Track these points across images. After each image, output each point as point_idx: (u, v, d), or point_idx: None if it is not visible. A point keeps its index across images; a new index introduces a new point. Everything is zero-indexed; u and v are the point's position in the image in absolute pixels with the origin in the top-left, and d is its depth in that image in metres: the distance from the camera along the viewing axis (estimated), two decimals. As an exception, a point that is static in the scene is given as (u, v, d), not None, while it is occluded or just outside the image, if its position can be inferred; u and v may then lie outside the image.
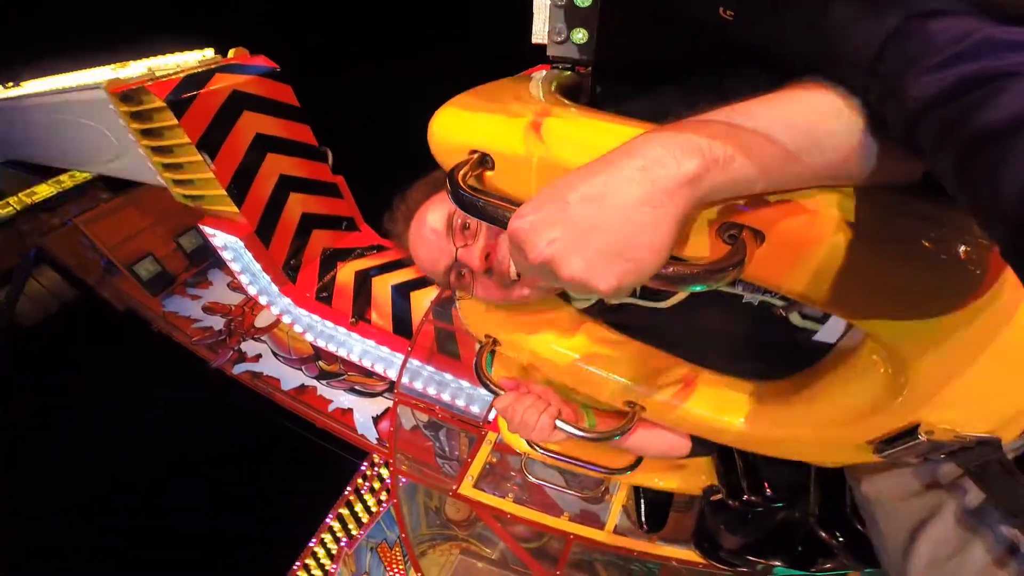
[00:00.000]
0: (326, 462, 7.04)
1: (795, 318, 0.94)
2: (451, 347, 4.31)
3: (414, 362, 4.22)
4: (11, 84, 7.75)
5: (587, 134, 0.73)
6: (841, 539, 1.30)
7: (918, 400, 0.76)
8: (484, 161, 0.79)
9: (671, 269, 0.58)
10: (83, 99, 5.15)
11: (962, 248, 0.60)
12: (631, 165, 0.56)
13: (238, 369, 7.08)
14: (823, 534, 1.33)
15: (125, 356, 9.88)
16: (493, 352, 1.28)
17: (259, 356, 7.13)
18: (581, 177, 0.58)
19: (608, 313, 1.18)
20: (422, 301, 4.87)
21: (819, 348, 0.95)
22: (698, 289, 0.60)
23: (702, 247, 0.67)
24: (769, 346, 1.01)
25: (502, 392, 1.18)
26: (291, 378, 6.73)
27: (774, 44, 0.67)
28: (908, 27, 0.51)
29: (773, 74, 0.63)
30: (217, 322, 7.76)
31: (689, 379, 1.05)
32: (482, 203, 0.69)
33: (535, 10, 1.19)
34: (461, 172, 0.75)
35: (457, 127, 0.84)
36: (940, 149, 0.47)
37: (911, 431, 0.79)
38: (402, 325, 5.05)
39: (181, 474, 10.88)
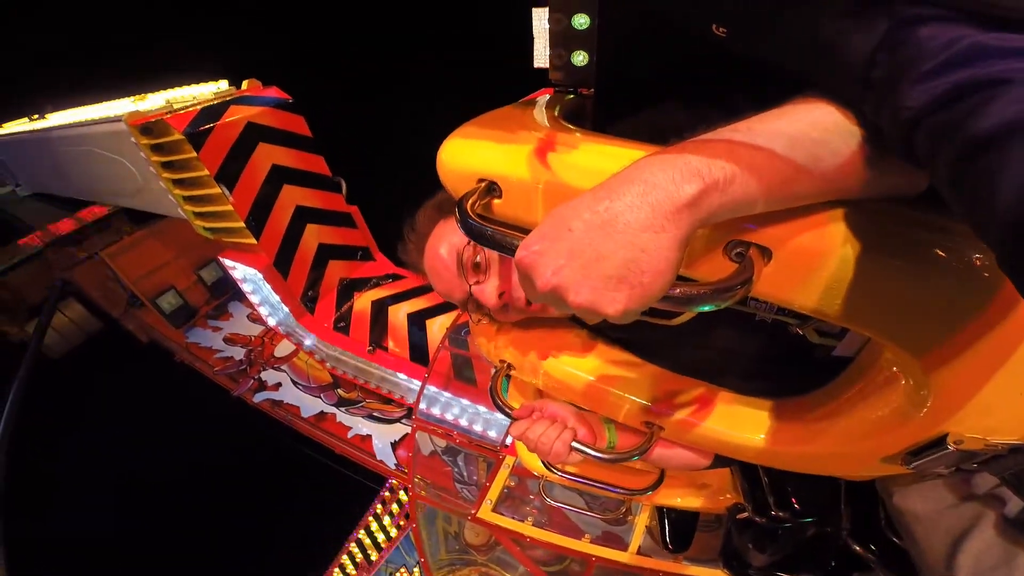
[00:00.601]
0: (345, 488, 7.03)
1: (811, 335, 0.92)
2: (467, 373, 4.31)
3: (431, 388, 4.22)
4: (36, 116, 7.98)
5: (592, 159, 0.74)
6: (877, 553, 1.27)
7: (943, 410, 0.74)
8: (492, 189, 0.81)
9: (678, 290, 0.58)
10: (105, 132, 5.21)
11: (975, 256, 0.59)
12: (631, 191, 0.56)
13: (258, 398, 7.12)
14: (857, 548, 1.30)
15: (148, 386, 10.02)
16: (508, 377, 1.27)
17: (279, 385, 7.17)
18: (583, 204, 0.59)
19: (617, 331, 1.18)
20: (437, 328, 4.89)
21: (837, 363, 0.93)
22: (707, 309, 0.60)
23: (710, 266, 0.67)
24: (785, 364, 1.00)
25: (515, 419, 1.18)
26: (310, 406, 6.74)
27: (769, 58, 0.68)
28: (897, 35, 0.51)
29: (772, 85, 0.63)
30: (238, 352, 7.83)
31: (707, 399, 1.04)
32: (490, 232, 0.70)
33: (535, 35, 1.21)
34: (470, 201, 0.76)
35: (464, 156, 0.85)
36: (935, 157, 0.47)
37: (939, 441, 0.78)
38: (419, 352, 5.05)
39: (202, 501, 10.93)
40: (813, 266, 0.64)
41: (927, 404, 0.75)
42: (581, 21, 1.08)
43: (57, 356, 9.01)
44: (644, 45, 1.04)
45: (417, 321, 5.03)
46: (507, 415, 1.21)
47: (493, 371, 1.30)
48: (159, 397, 10.23)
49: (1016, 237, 0.39)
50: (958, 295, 0.62)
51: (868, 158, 0.58)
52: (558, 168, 0.75)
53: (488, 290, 1.10)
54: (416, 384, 4.86)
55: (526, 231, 0.63)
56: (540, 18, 1.20)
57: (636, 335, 1.13)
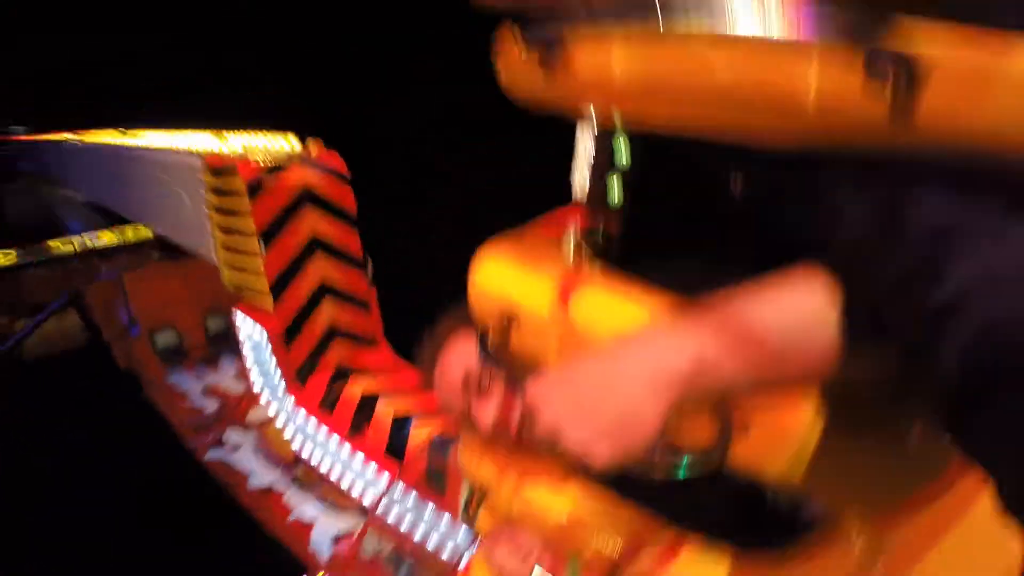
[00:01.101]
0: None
1: (780, 493, 0.96)
2: (439, 483, 4.15)
3: (398, 488, 4.07)
4: (123, 130, 8.38)
5: (608, 309, 0.84)
6: None
7: (894, 573, 0.78)
8: (513, 319, 0.90)
9: (658, 452, 0.66)
10: (180, 162, 5.40)
11: (931, 431, 0.66)
12: (636, 358, 0.65)
13: (211, 455, 6.79)
14: None
15: (104, 413, 9.59)
16: (483, 498, 1.30)
17: (238, 447, 6.84)
18: (591, 363, 0.69)
19: None
20: (422, 431, 4.71)
21: (803, 522, 0.95)
22: (683, 473, 0.68)
23: (692, 431, 0.73)
24: (753, 517, 1.02)
25: (482, 541, 1.19)
26: (261, 477, 6.36)
27: (778, 222, 0.76)
28: (885, 216, 0.58)
29: (783, 249, 0.69)
30: (211, 405, 7.61)
31: (673, 545, 1.06)
32: (505, 366, 0.81)
33: (576, 164, 1.24)
34: (491, 330, 0.87)
35: (494, 283, 0.96)
36: (895, 333, 0.55)
37: None
38: (395, 451, 4.81)
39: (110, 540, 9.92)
40: (786, 441, 0.71)
41: (878, 566, 0.79)
42: (621, 155, 1.13)
43: (29, 359, 8.81)
44: (673, 191, 1.09)
45: (403, 420, 4.89)
46: (475, 535, 1.22)
47: (467, 487, 1.33)
48: (109, 423, 9.73)
49: (956, 401, 0.47)
50: (914, 467, 0.70)
51: (851, 344, 0.62)
52: (576, 313, 0.85)
53: (486, 413, 1.14)
54: (383, 480, 4.68)
55: (538, 368, 0.74)
56: (583, 143, 1.25)
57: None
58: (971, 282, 0.47)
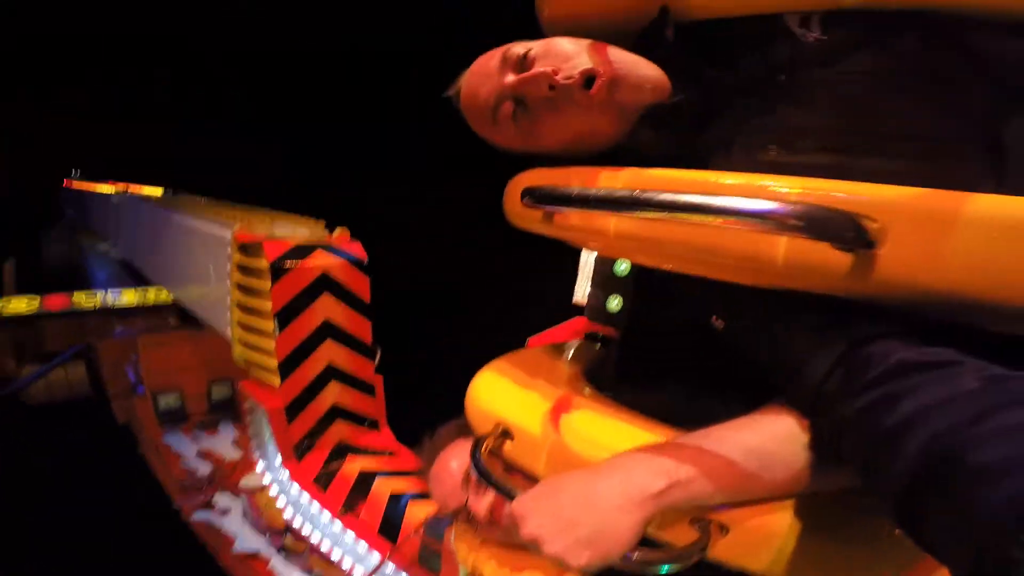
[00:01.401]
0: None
1: None
2: (434, 563, 4.07)
3: (390, 566, 4.03)
4: (171, 191, 8.67)
5: (595, 431, 0.87)
6: None
7: None
8: (506, 433, 0.94)
9: (636, 555, 0.70)
10: (212, 232, 5.45)
11: (896, 532, 0.70)
12: (613, 478, 0.72)
13: (198, 516, 6.70)
14: None
15: (98, 466, 9.46)
16: None
17: (227, 511, 6.74)
18: (575, 480, 0.75)
19: None
20: (417, 513, 4.60)
21: None
22: (664, 571, 0.71)
23: (676, 532, 0.77)
24: None
25: None
26: (248, 542, 6.20)
27: (753, 358, 0.79)
28: (852, 354, 0.62)
29: (760, 382, 0.75)
30: (204, 468, 7.57)
31: None
32: (495, 479, 0.85)
33: (580, 270, 1.33)
34: (485, 443, 0.91)
35: (491, 398, 1.00)
36: (854, 455, 0.61)
37: None
38: (390, 529, 4.72)
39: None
40: (763, 542, 0.76)
41: None
42: (623, 267, 1.18)
43: (33, 403, 8.86)
44: (662, 321, 1.12)
45: (398, 500, 4.83)
46: None
47: (463, 572, 1.43)
48: (98, 478, 9.55)
49: (907, 503, 0.54)
50: (885, 562, 0.74)
51: (815, 467, 0.70)
52: (566, 433, 0.88)
53: (483, 504, 1.26)
54: (374, 557, 4.58)
55: (528, 477, 0.85)
56: (587, 256, 1.31)
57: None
58: (921, 407, 0.53)
